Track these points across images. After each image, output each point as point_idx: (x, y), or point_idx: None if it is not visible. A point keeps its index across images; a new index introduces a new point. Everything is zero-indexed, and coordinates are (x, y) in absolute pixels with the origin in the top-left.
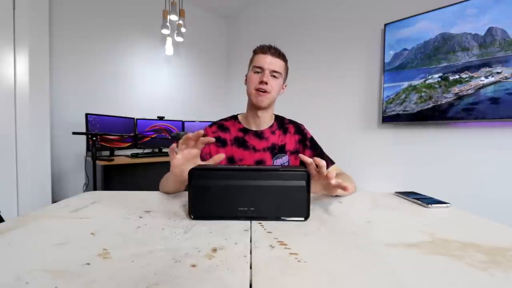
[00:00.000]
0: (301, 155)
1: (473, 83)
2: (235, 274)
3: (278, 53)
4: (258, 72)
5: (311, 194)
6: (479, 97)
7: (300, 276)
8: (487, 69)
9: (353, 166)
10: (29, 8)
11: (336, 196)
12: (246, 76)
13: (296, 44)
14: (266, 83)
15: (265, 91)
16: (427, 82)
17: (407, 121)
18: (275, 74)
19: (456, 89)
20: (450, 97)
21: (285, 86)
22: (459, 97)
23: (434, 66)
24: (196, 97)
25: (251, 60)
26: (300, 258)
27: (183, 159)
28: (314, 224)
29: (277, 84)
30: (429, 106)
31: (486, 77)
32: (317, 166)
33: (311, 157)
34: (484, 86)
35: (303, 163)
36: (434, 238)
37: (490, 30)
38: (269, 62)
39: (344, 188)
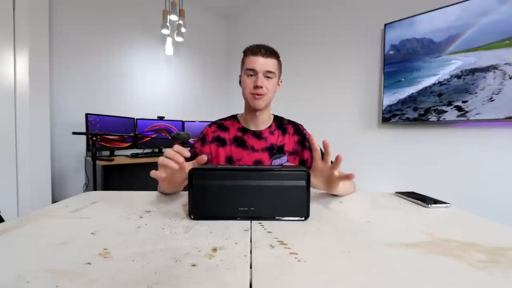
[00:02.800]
0: (310, 138)
1: (475, 84)
2: (235, 274)
3: (270, 52)
4: (251, 75)
5: (311, 194)
6: (480, 97)
7: (300, 276)
8: (492, 70)
9: (353, 166)
10: (29, 8)
11: (336, 195)
12: (240, 77)
13: (296, 44)
14: (261, 87)
15: (261, 94)
16: (428, 82)
17: (407, 121)
18: (269, 74)
19: (457, 95)
20: (451, 98)
21: (281, 82)
22: (461, 97)
23: (435, 66)
24: (196, 97)
25: (243, 62)
26: (300, 258)
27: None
28: (314, 224)
29: (272, 84)
30: (429, 106)
31: (493, 78)
32: (324, 150)
33: (309, 159)
34: (486, 86)
35: (302, 163)
36: (434, 238)
37: (493, 29)
38: (261, 63)
39: (349, 176)
